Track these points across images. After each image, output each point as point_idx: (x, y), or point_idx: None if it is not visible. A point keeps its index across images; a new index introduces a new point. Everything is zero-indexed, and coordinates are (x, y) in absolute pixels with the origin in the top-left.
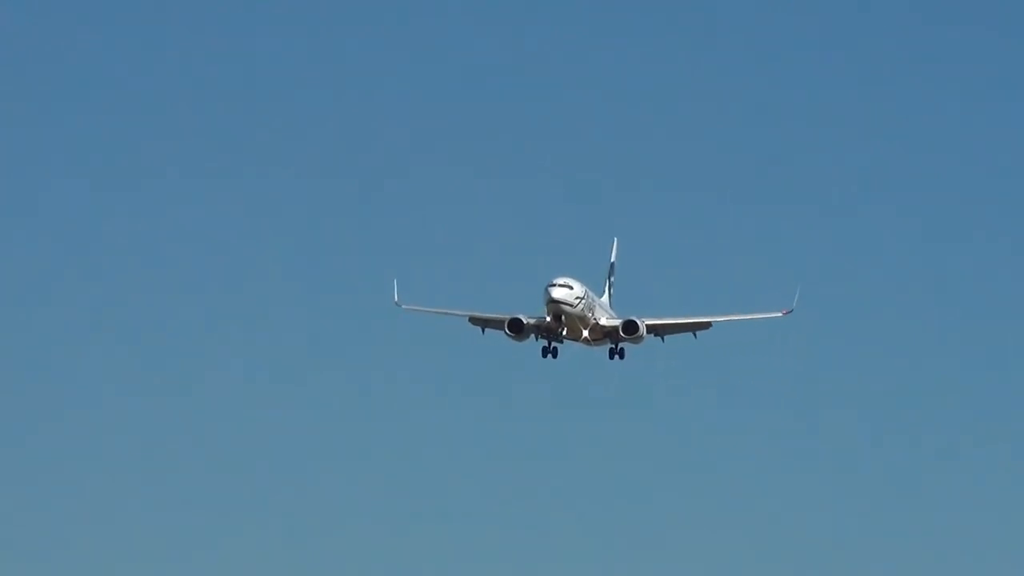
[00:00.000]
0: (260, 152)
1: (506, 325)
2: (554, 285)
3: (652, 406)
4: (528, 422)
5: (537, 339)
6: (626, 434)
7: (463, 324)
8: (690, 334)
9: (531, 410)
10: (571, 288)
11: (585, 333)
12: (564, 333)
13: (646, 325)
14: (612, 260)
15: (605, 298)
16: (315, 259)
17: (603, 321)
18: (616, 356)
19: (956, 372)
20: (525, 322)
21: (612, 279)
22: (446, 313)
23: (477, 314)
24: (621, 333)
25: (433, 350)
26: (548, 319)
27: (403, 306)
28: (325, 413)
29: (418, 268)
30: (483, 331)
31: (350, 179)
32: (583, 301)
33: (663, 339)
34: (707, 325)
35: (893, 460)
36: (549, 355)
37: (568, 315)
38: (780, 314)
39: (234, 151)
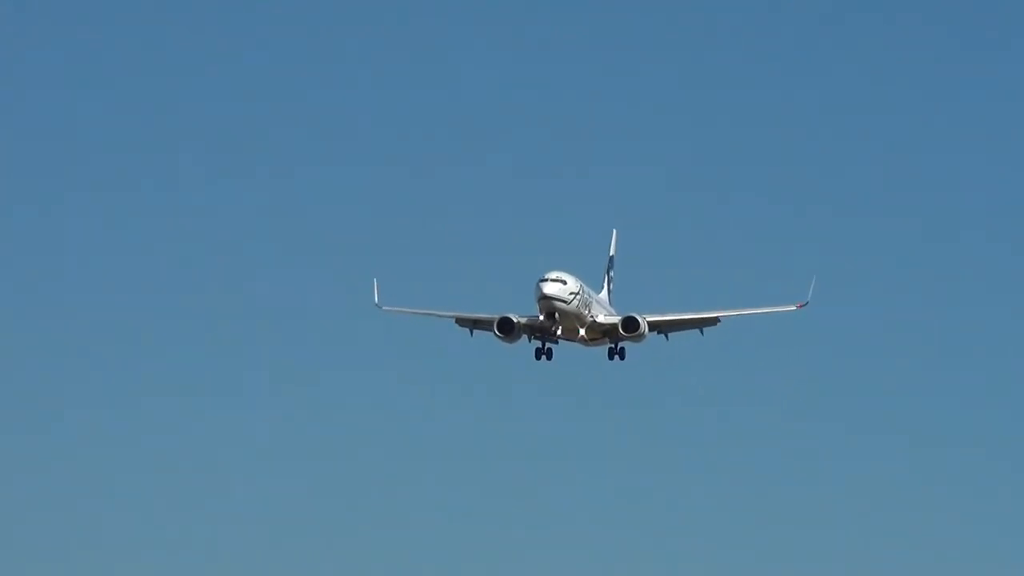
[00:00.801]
0: (239, 153)
1: (495, 325)
2: (546, 280)
3: (655, 410)
4: (522, 429)
5: (530, 340)
6: (628, 441)
7: (449, 326)
8: (696, 331)
9: (525, 416)
10: (565, 283)
11: (582, 332)
12: (559, 332)
13: (648, 322)
14: (611, 253)
15: (603, 294)
16: (293, 260)
17: (601, 318)
18: (616, 356)
19: (978, 367)
20: (516, 321)
21: (611, 273)
22: (431, 314)
23: (464, 314)
24: (621, 331)
25: (418, 354)
26: (541, 318)
27: (384, 308)
28: (304, 422)
29: (400, 267)
30: (471, 333)
31: (330, 178)
32: (578, 297)
33: (667, 337)
34: (715, 321)
35: (913, 461)
36: (543, 357)
37: (562, 313)
38: (794, 307)
39: (215, 151)
